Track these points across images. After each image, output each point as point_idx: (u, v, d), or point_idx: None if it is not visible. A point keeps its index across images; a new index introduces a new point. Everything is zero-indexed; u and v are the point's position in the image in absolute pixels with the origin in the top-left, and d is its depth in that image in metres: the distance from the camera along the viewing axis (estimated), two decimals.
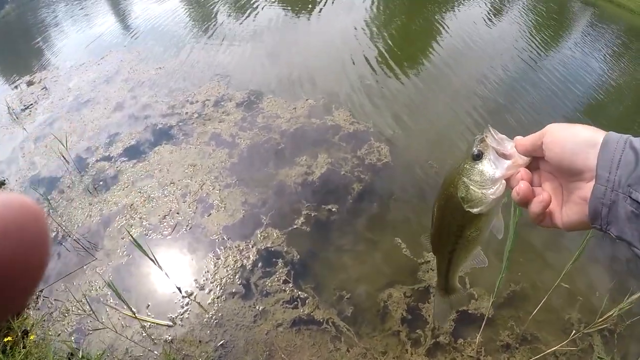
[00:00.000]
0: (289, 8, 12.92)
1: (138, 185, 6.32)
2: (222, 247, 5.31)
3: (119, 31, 12.56)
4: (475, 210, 1.09)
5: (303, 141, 7.09)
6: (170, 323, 4.63)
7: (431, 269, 5.25)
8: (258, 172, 6.39)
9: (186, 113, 7.83)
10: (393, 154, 6.89)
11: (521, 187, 1.00)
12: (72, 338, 4.56)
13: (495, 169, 1.05)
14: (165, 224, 5.68)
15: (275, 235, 5.44)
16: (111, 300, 4.83)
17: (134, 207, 5.97)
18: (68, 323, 4.72)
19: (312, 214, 5.75)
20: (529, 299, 4.89)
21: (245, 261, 5.15)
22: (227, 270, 5.06)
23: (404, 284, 5.07)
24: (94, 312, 4.41)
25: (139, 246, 4.22)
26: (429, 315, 4.78)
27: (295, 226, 5.57)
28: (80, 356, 4.29)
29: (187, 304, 4.79)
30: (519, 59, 10.22)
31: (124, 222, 5.76)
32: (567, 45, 11.73)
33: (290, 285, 4.93)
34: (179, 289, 4.90)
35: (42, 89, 9.44)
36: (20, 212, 0.44)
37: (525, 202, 1.02)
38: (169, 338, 4.50)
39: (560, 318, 4.74)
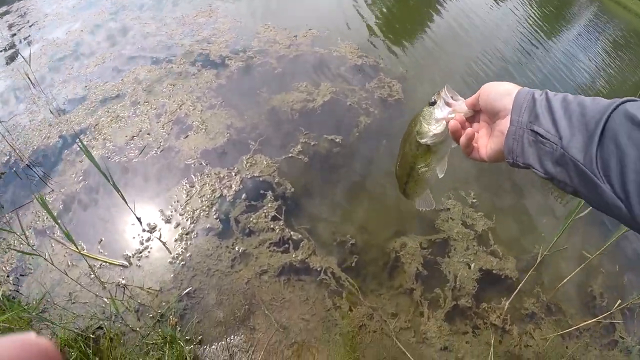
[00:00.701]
0: None
1: (107, 105, 5.02)
2: (198, 174, 4.13)
3: None
4: (422, 141, 1.35)
5: (304, 68, 5.92)
6: (125, 263, 3.46)
7: (451, 217, 4.26)
8: (249, 95, 5.18)
9: (171, 34, 6.48)
10: (406, 91, 5.78)
11: (451, 123, 1.27)
12: (10, 279, 3.38)
13: (440, 112, 1.31)
14: (132, 145, 4.45)
15: (264, 163, 4.29)
16: (58, 234, 3.63)
17: (98, 127, 4.69)
18: (8, 260, 3.50)
19: (312, 143, 4.63)
20: (557, 268, 4.26)
21: (225, 191, 3.99)
22: (201, 201, 3.90)
23: (420, 234, 4.08)
24: (36, 249, 3.24)
25: (94, 161, 3.00)
26: (449, 272, 3.88)
27: (290, 155, 4.44)
28: (18, 301, 3.14)
29: (148, 239, 3.62)
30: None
31: (86, 143, 4.51)
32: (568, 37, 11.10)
33: (281, 223, 3.82)
34: (139, 220, 3.73)
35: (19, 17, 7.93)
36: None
37: (456, 136, 1.27)
38: (122, 281, 3.34)
39: (584, 291, 4.17)
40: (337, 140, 4.71)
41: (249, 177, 4.12)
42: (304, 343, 3.14)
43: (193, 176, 4.09)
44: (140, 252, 3.52)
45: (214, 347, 3.05)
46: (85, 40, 6.32)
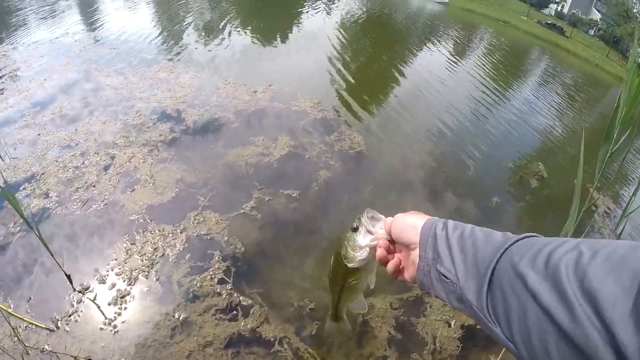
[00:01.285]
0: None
1: (57, 154, 4.53)
2: (140, 230, 3.64)
3: None
4: (350, 265, 1.34)
5: (262, 122, 5.60)
6: (53, 326, 2.91)
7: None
8: (203, 150, 4.79)
9: (131, 87, 6.08)
10: (368, 142, 5.49)
11: (378, 252, 1.24)
12: None
13: (363, 240, 1.30)
14: (76, 197, 3.93)
15: (214, 220, 3.83)
16: None
17: (44, 176, 4.17)
18: None
19: (266, 199, 4.20)
20: None
21: (168, 250, 3.50)
22: (141, 260, 3.39)
23: (389, 293, 3.64)
24: None
25: (18, 208, 2.60)
26: (427, 333, 3.43)
27: (242, 211, 4.00)
28: None
29: (80, 301, 3.07)
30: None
31: (29, 192, 4.02)
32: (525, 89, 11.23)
33: (229, 287, 3.31)
34: (69, 278, 3.16)
35: None
36: None
37: (383, 263, 1.24)
38: (47, 347, 2.78)
39: None
40: (294, 195, 4.32)
41: (195, 235, 3.64)
42: None
43: (135, 233, 3.60)
44: (70, 315, 2.98)
45: None
46: (47, 89, 5.86)
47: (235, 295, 3.26)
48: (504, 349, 3.23)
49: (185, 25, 9.40)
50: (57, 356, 2.76)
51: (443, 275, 1.01)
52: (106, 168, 4.32)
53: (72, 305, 3.05)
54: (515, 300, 0.79)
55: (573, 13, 55.22)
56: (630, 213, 2.39)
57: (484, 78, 11.82)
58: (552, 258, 0.77)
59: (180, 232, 3.64)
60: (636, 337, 0.58)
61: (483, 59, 14.93)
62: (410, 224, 1.17)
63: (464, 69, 12.41)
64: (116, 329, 2.95)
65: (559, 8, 60.25)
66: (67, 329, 2.93)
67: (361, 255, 1.31)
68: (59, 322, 2.94)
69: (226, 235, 3.69)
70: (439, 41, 15.51)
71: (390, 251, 1.28)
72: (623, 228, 2.54)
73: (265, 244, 3.77)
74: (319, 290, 3.47)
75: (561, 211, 5.74)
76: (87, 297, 3.11)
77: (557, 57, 24.84)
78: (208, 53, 7.86)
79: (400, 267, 1.25)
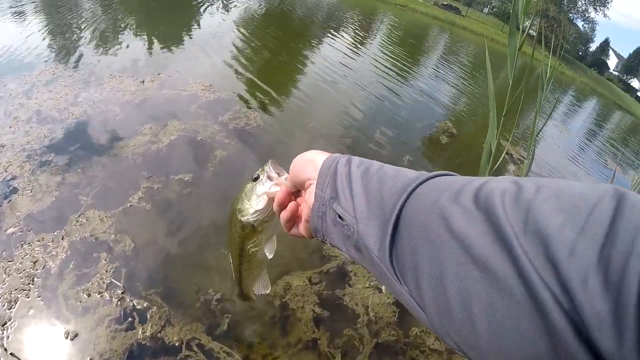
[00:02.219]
0: None
1: None
2: (18, 244, 3.05)
3: None
4: (244, 219, 1.18)
5: (149, 111, 5.04)
6: None
7: None
8: (85, 147, 4.19)
9: (8, 94, 5.32)
10: (266, 119, 5.17)
11: (278, 195, 1.04)
12: None
13: (262, 187, 1.13)
14: None
15: (98, 219, 3.30)
16: None
17: None
18: None
19: (155, 187, 3.72)
20: None
21: (50, 261, 2.94)
22: (21, 277, 2.82)
23: (306, 268, 3.30)
24: None
25: None
26: (357, 304, 3.11)
27: (129, 204, 3.49)
28: None
29: None
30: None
31: None
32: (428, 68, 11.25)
33: (120, 292, 2.82)
34: None
35: None
36: None
37: (281, 208, 1.04)
38: None
39: None
40: (187, 179, 3.86)
41: (79, 239, 3.11)
42: None
43: (13, 248, 3.02)
44: None
45: None
46: None
47: (129, 299, 2.77)
48: None
49: (74, 29, 8.51)
50: None
51: (340, 216, 0.82)
52: None
53: None
54: (428, 248, 0.60)
55: None
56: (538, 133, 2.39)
57: (388, 59, 11.70)
58: (481, 192, 0.57)
59: (62, 239, 3.10)
60: (604, 300, 0.41)
61: (385, 41, 14.89)
62: (309, 159, 0.98)
63: (367, 53, 12.23)
64: None
65: None
66: None
67: (257, 204, 1.16)
68: None
69: (113, 234, 3.18)
70: (340, 29, 15.21)
71: (287, 197, 1.07)
72: (534, 149, 2.45)
73: (158, 236, 3.30)
74: (224, 279, 3.06)
75: (472, 163, 5.65)
76: None
77: (455, 34, 25.57)
78: (96, 55, 7.09)
79: (298, 215, 1.05)
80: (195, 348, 2.58)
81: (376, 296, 3.20)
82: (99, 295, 2.77)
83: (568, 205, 0.47)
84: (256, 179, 1.18)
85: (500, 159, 2.45)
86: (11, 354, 2.46)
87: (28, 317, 2.63)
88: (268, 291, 1.60)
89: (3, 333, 2.54)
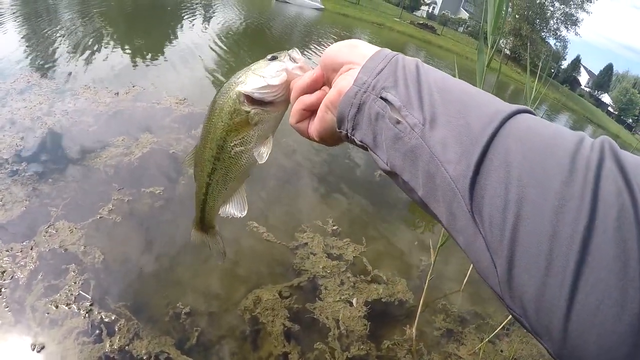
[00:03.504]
0: None
1: None
2: None
3: None
4: (246, 91, 0.84)
5: (123, 123, 5.03)
6: None
7: (312, 253, 3.62)
8: (57, 157, 4.16)
9: None
10: None
11: (311, 75, 0.80)
12: None
13: (282, 64, 0.85)
14: None
15: (68, 230, 3.27)
16: None
17: None
18: None
19: (126, 199, 3.71)
20: (452, 269, 3.82)
21: (19, 272, 2.91)
22: None
23: (276, 282, 3.31)
24: None
25: None
26: (328, 318, 3.11)
27: (99, 216, 3.47)
28: None
29: None
30: None
31: None
32: None
33: (88, 304, 2.80)
34: None
35: None
36: None
37: (302, 93, 0.81)
38: None
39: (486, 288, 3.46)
40: (159, 192, 3.86)
41: (48, 250, 3.08)
42: None
43: None
44: None
45: None
46: None
47: (97, 312, 2.75)
48: (417, 318, 3.03)
49: (52, 38, 8.39)
50: None
51: (388, 102, 0.63)
52: None
53: None
54: (535, 187, 0.46)
55: (443, 13, 59.00)
56: None
57: None
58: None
59: (31, 249, 3.07)
60: None
61: None
62: (353, 43, 0.77)
63: None
64: None
65: (430, 9, 63.99)
66: None
67: (273, 79, 0.86)
68: None
69: (82, 245, 3.16)
70: (316, 46, 15.29)
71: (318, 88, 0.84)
72: None
73: (128, 249, 3.30)
74: (194, 293, 3.08)
75: None
76: None
77: (431, 52, 25.99)
78: (72, 65, 7.00)
79: (314, 108, 0.83)
80: None
81: (347, 309, 3.20)
82: (67, 307, 2.74)
83: None
84: (272, 58, 0.92)
85: None
86: None
87: None
88: (244, 214, 1.07)
89: None
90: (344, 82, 0.71)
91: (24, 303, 2.75)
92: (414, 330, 3.09)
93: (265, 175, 4.64)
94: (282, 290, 3.24)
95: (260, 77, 0.86)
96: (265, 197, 4.30)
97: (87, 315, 2.73)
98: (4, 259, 3.01)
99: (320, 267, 3.53)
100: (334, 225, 4.03)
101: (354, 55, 0.73)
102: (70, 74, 6.24)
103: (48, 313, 2.71)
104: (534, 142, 0.49)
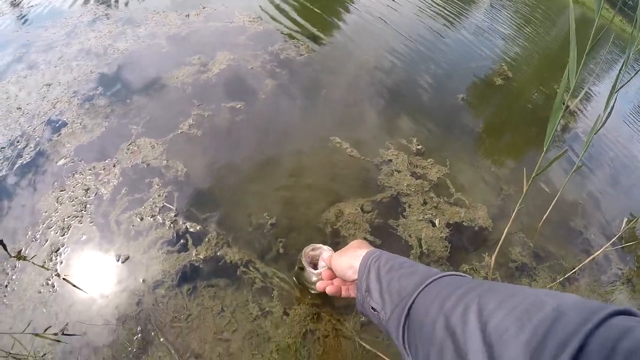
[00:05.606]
0: None
1: None
2: (70, 174, 2.93)
3: None
4: (313, 292, 2.13)
5: (196, 43, 4.73)
6: None
7: (396, 170, 3.35)
8: (133, 79, 3.97)
9: (52, 36, 5.16)
10: (316, 48, 4.88)
11: (328, 290, 1.49)
12: None
13: (311, 275, 1.89)
14: (1, 157, 3.19)
15: (149, 146, 3.12)
16: None
17: None
18: None
19: (206, 115, 3.49)
20: (527, 211, 3.44)
21: (102, 188, 2.81)
22: (73, 205, 2.71)
23: (359, 196, 3.07)
24: None
25: None
26: (410, 236, 2.91)
27: (179, 131, 3.28)
28: None
29: (14, 267, 2.40)
30: None
31: None
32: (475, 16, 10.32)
33: (173, 214, 2.68)
34: (2, 244, 2.48)
35: None
36: None
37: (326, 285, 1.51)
38: None
39: (567, 228, 3.44)
40: (239, 106, 3.61)
41: (130, 166, 2.95)
42: None
43: (65, 178, 2.89)
44: (6, 286, 2.35)
45: None
46: None
47: (182, 222, 2.64)
48: (498, 246, 2.79)
49: None
50: (0, 337, 2.18)
51: (372, 308, 1.03)
52: (29, 120, 3.57)
53: (7, 274, 2.40)
54: (426, 339, 0.76)
55: None
56: (620, 88, 2.09)
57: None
58: (459, 304, 0.73)
59: (114, 166, 2.94)
60: None
61: None
62: (347, 265, 1.27)
63: None
64: (54, 289, 2.32)
65: None
66: (6, 301, 2.30)
67: (315, 285, 1.72)
68: None
69: (164, 160, 3.00)
70: None
71: (333, 276, 1.53)
72: (613, 104, 2.14)
73: (210, 161, 3.12)
74: (276, 205, 2.88)
75: (523, 108, 5.24)
76: (21, 261, 2.48)
77: None
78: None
79: (348, 286, 1.48)
80: (251, 269, 2.47)
81: (430, 229, 3.00)
82: (151, 219, 2.64)
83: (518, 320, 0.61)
84: (301, 268, 1.94)
85: (563, 110, 2.13)
86: (64, 279, 2.37)
87: (81, 243, 2.52)
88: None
89: (57, 259, 2.44)
90: (355, 291, 1.31)
91: (109, 217, 2.65)
92: (493, 258, 2.87)
93: (345, 91, 4.33)
94: (365, 205, 3.02)
95: (310, 286, 1.96)
96: (345, 112, 3.98)
97: (171, 225, 2.62)
98: (87, 177, 2.89)
99: (405, 184, 3.26)
100: (418, 145, 3.71)
101: (352, 274, 1.25)
102: (135, 2, 6.03)
103: (133, 225, 2.61)
104: (424, 313, 0.83)
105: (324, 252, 1.88)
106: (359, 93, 4.35)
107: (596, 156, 4.64)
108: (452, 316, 0.70)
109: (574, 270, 2.93)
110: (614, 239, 3.06)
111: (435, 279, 0.88)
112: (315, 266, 1.97)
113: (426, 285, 0.87)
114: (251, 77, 4.08)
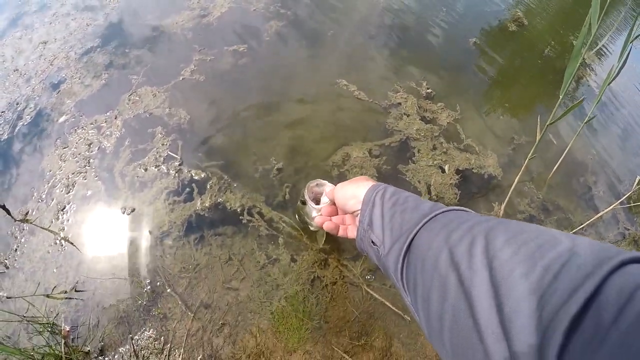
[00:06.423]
0: None
1: None
2: (72, 130, 2.84)
3: None
4: (312, 229, 2.04)
5: None
6: (2, 269, 2.23)
7: (405, 113, 3.15)
8: (131, 28, 3.78)
9: None
10: None
11: (326, 225, 1.42)
12: None
13: (312, 210, 1.77)
14: (2, 121, 3.09)
15: (151, 95, 2.98)
16: None
17: None
18: None
19: (208, 59, 3.31)
20: (544, 155, 3.32)
21: (105, 142, 2.71)
22: (77, 161, 2.63)
23: (367, 139, 2.92)
24: None
25: None
26: (419, 181, 2.80)
27: (181, 77, 3.13)
28: None
29: (22, 230, 2.37)
30: None
31: None
32: None
33: (177, 163, 2.58)
34: (5, 209, 2.39)
35: None
36: None
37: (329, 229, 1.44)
38: (2, 294, 2.13)
39: (577, 182, 3.27)
40: (242, 49, 3.42)
41: (132, 116, 2.83)
42: (237, 323, 2.02)
43: (67, 134, 2.81)
44: (16, 250, 2.30)
45: (119, 354, 1.93)
46: None
47: (187, 170, 2.55)
48: (508, 196, 2.69)
49: None
50: (14, 301, 2.12)
51: (372, 242, 0.98)
52: (27, 81, 3.44)
53: (16, 238, 2.35)
54: (423, 279, 0.74)
55: None
56: (635, 38, 1.97)
57: None
58: (465, 236, 0.70)
59: (115, 118, 2.83)
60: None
61: None
62: (351, 194, 1.22)
63: None
64: (63, 247, 2.26)
65: None
66: (17, 265, 2.25)
67: (315, 220, 1.64)
68: (7, 261, 2.26)
69: (167, 108, 2.87)
70: None
71: (333, 213, 1.51)
72: (628, 54, 2.00)
73: (214, 107, 2.98)
74: (282, 149, 2.76)
75: (542, 52, 4.95)
76: (28, 223, 2.40)
77: None
78: None
79: (346, 226, 1.43)
80: (256, 215, 2.39)
81: (439, 175, 2.85)
82: (156, 169, 2.55)
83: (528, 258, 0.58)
84: (303, 202, 1.80)
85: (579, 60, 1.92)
86: (68, 241, 2.29)
87: (86, 199, 2.45)
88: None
89: (63, 217, 2.37)
90: (357, 223, 1.17)
91: (113, 170, 2.57)
92: (502, 207, 2.74)
93: (353, 33, 4.09)
94: (373, 149, 2.87)
95: (310, 222, 1.93)
96: (352, 54, 3.76)
97: (176, 175, 2.54)
98: (89, 131, 2.78)
99: (414, 129, 3.08)
100: (428, 89, 3.49)
101: (355, 204, 1.17)
102: None
103: (137, 177, 2.53)
104: (426, 249, 0.81)
105: (327, 187, 1.74)
106: (367, 35, 4.11)
107: (608, 113, 4.39)
108: (457, 249, 0.67)
109: (582, 226, 2.80)
110: (622, 199, 2.93)
111: (440, 213, 0.84)
112: (317, 202, 1.81)
113: (430, 219, 0.83)
114: (254, 19, 3.86)
